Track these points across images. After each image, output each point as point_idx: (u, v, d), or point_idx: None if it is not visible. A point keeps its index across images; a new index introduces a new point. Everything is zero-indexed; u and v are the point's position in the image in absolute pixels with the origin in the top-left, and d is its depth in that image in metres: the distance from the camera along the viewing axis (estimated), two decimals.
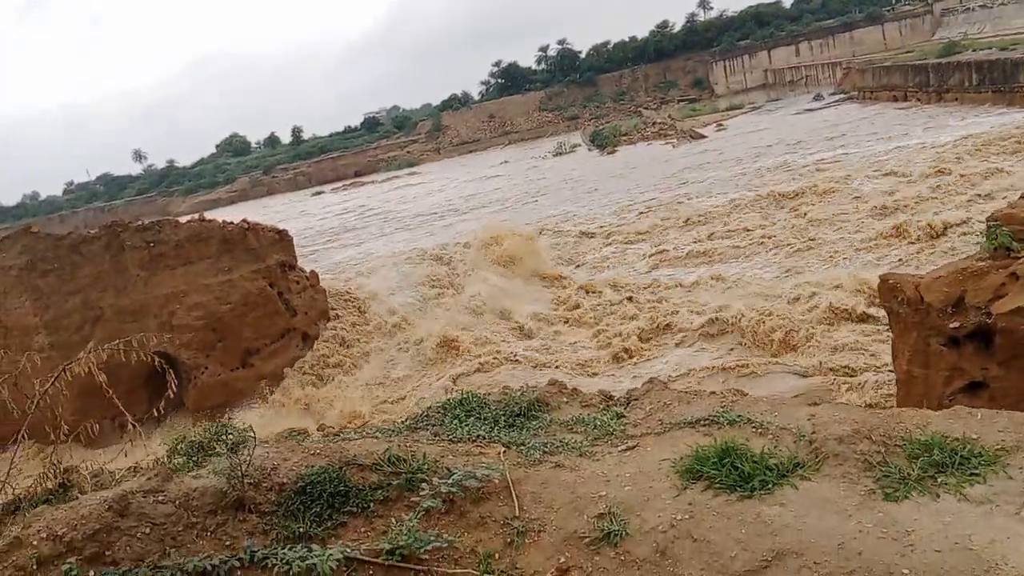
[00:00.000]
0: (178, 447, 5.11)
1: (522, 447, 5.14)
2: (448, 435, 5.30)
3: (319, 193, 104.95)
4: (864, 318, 20.89)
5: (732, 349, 20.22)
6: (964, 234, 25.08)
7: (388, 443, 4.84)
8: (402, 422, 5.99)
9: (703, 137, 73.16)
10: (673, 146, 71.59)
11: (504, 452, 4.96)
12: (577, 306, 27.50)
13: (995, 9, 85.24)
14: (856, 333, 20.15)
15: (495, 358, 23.55)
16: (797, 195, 34.72)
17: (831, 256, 26.98)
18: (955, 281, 14.24)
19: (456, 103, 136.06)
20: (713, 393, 5.90)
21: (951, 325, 13.98)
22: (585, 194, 50.85)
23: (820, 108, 76.54)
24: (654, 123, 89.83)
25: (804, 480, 4.19)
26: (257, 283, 28.68)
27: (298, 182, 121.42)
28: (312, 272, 32.08)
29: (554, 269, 31.80)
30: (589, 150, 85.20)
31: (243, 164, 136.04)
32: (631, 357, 22.04)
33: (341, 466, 4.45)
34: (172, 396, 5.32)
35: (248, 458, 4.35)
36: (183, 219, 30.46)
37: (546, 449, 5.16)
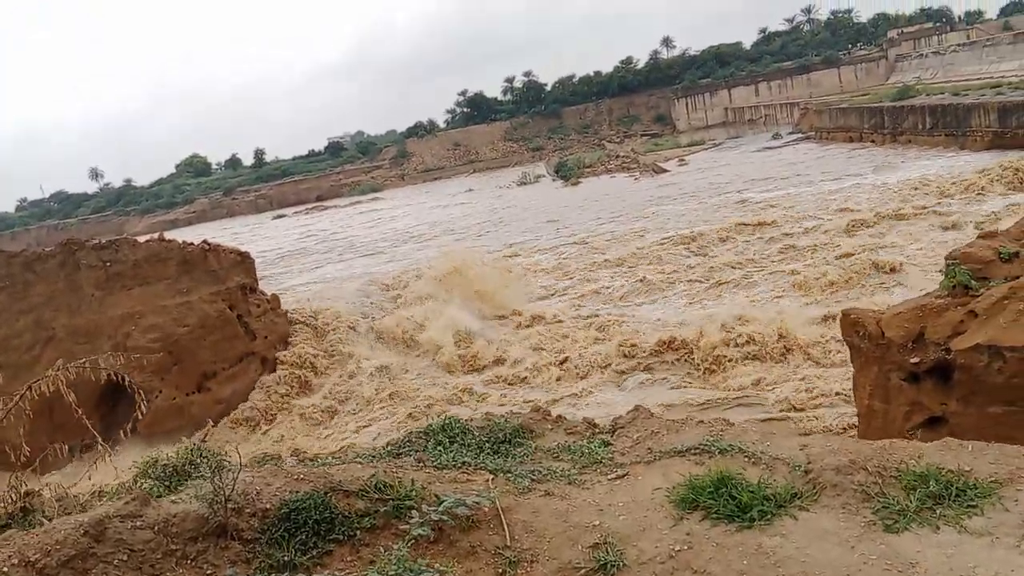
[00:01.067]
0: (149, 470, 4.90)
1: (509, 475, 5.02)
2: (433, 461, 5.15)
3: (281, 216, 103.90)
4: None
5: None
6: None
7: (373, 469, 4.69)
8: (384, 447, 5.82)
9: (665, 171, 74.20)
10: (636, 179, 72.49)
11: (492, 479, 4.84)
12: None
13: (947, 56, 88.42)
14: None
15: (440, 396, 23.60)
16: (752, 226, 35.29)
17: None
18: (915, 317, 14.52)
19: (421, 130, 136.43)
20: (701, 422, 5.85)
21: (911, 360, 14.22)
22: (545, 223, 51.04)
23: (779, 147, 78.19)
24: (617, 156, 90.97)
25: (803, 511, 4.15)
26: (216, 305, 28.14)
27: (259, 205, 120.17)
28: (273, 295, 31.61)
29: (504, 300, 31.56)
30: (553, 180, 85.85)
31: (203, 185, 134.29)
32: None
33: (326, 492, 4.28)
34: (140, 417, 5.10)
35: (233, 483, 4.16)
36: (142, 238, 29.86)
37: (534, 477, 5.04)
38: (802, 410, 18.35)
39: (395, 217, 76.90)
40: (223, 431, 24.75)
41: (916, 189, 37.81)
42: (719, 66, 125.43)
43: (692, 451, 5.16)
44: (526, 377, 23.23)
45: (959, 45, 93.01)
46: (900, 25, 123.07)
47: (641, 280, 30.33)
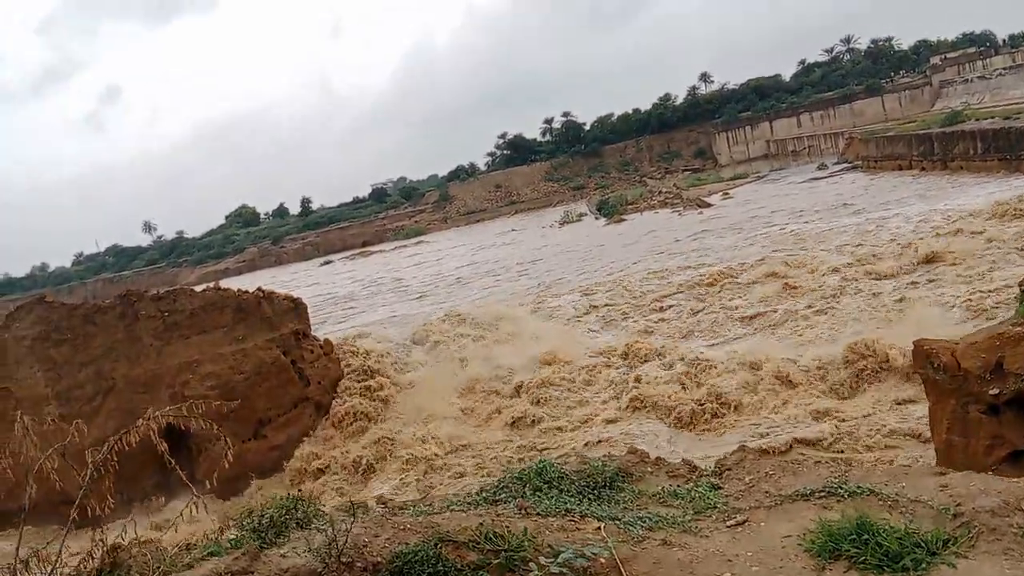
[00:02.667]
0: (244, 521, 4.74)
1: (618, 522, 4.75)
2: (535, 509, 4.91)
3: (328, 262, 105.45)
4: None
5: None
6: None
7: (479, 517, 4.47)
8: (478, 494, 5.60)
9: (709, 206, 73.69)
10: (680, 214, 72.07)
11: (602, 528, 4.59)
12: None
13: (993, 80, 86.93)
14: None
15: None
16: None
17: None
18: (992, 347, 13.91)
19: (463, 174, 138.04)
20: (818, 462, 5.52)
21: (990, 392, 13.61)
22: (608, 262, 50.30)
23: (825, 177, 77.23)
24: (660, 192, 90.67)
25: (960, 558, 3.79)
26: (271, 352, 28.36)
27: (306, 252, 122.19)
28: (326, 340, 31.77)
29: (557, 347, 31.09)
30: (596, 219, 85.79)
31: (252, 235, 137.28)
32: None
33: (436, 543, 4.07)
34: (228, 463, 4.98)
35: (347, 535, 3.97)
36: (198, 288, 30.36)
37: (645, 525, 4.76)
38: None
39: (440, 260, 77.47)
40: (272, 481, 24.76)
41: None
42: (759, 99, 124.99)
43: (817, 494, 4.82)
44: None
45: (1005, 68, 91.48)
46: (942, 51, 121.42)
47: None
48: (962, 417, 14.22)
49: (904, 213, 43.02)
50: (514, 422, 24.17)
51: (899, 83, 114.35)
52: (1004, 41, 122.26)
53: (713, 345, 26.16)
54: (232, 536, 4.80)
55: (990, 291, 25.13)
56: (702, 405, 21.18)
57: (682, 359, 24.42)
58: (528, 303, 38.53)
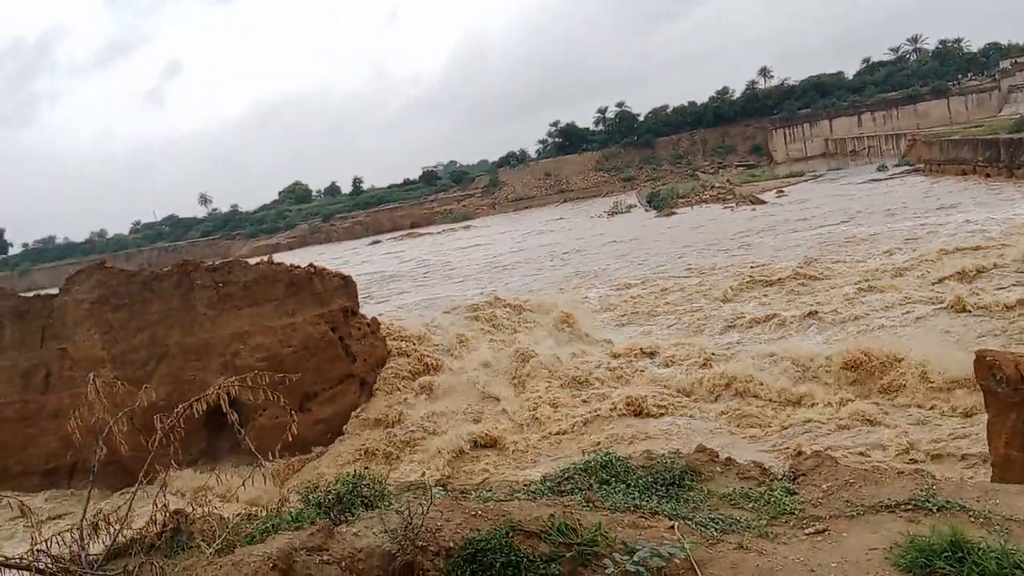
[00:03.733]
0: (309, 496, 4.73)
1: (690, 522, 4.63)
2: (603, 503, 4.81)
3: (376, 242, 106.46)
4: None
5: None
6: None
7: (550, 508, 4.38)
8: (541, 482, 5.52)
9: (763, 203, 72.47)
10: (732, 210, 71.04)
11: (675, 527, 4.47)
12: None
13: None
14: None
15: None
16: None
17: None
18: None
19: (513, 160, 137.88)
20: (900, 473, 5.31)
21: None
22: (673, 256, 49.54)
23: (885, 179, 75.36)
24: (712, 187, 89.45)
25: None
26: (320, 327, 28.63)
27: (355, 231, 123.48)
28: (373, 319, 31.98)
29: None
30: (646, 211, 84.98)
31: (304, 211, 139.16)
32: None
33: (507, 532, 4.00)
34: (292, 436, 4.97)
35: (423, 517, 3.92)
36: (251, 261, 30.78)
37: (718, 527, 4.64)
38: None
39: (488, 244, 77.61)
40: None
41: None
42: (819, 96, 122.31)
43: (903, 507, 4.62)
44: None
45: None
46: (1013, 55, 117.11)
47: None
48: (1023, 431, 13.78)
49: (957, 220, 41.80)
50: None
51: (966, 86, 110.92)
52: None
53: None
54: (292, 510, 4.79)
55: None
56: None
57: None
58: (559, 293, 38.48)
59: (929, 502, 4.63)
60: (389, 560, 3.81)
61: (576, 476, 5.41)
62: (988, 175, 60.92)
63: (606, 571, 3.77)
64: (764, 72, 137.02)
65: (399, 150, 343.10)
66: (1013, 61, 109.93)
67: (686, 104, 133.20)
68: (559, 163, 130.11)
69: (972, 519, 4.34)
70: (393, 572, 3.76)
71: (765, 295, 32.80)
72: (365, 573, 3.74)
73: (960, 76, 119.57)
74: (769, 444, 18.27)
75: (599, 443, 19.63)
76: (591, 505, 4.65)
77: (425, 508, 3.94)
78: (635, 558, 3.84)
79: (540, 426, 23.35)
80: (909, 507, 4.59)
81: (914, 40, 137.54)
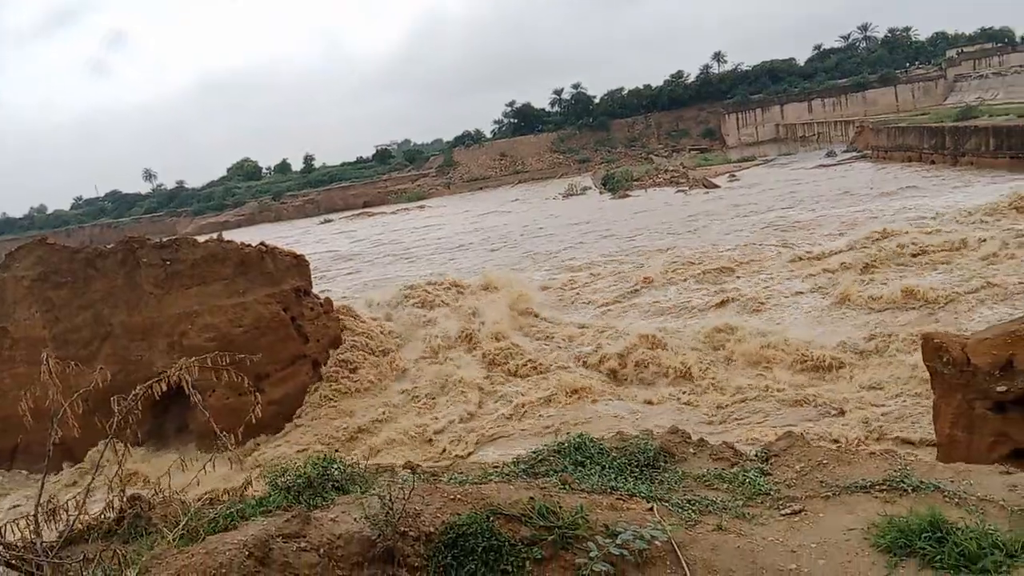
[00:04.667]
0: (278, 480, 4.56)
1: (667, 503, 4.59)
2: (580, 485, 4.74)
3: (328, 221, 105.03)
4: None
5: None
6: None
7: (529, 490, 4.29)
8: (514, 464, 5.43)
9: (716, 187, 73.36)
10: (686, 193, 71.77)
11: (653, 509, 4.42)
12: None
13: (1008, 77, 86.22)
14: None
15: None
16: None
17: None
18: (1003, 344, 13.79)
19: (468, 140, 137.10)
20: (872, 454, 5.35)
21: (998, 389, 13.53)
22: (625, 238, 50.02)
23: (833, 165, 76.82)
24: (666, 170, 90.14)
25: None
26: (271, 307, 28.13)
27: (306, 209, 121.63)
28: (327, 299, 31.58)
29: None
30: (600, 193, 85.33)
31: (253, 189, 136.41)
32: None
33: (488, 516, 3.89)
34: (256, 418, 4.81)
35: (404, 503, 3.78)
36: (200, 239, 30.07)
37: (695, 508, 4.61)
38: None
39: (440, 225, 77.18)
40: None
41: None
42: (771, 82, 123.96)
43: (878, 487, 4.64)
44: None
45: (1021, 66, 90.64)
46: (959, 45, 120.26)
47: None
48: (967, 413, 14.16)
49: (898, 206, 43.02)
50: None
51: (913, 74, 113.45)
52: (1022, 39, 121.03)
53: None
54: (256, 494, 4.62)
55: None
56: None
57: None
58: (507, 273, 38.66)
59: (904, 483, 4.67)
60: (369, 546, 3.68)
61: (550, 458, 5.34)
62: (933, 162, 62.52)
63: (590, 554, 3.71)
64: (718, 57, 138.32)
65: (352, 128, 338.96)
66: (959, 51, 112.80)
67: (641, 87, 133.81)
68: (514, 144, 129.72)
69: (947, 499, 4.39)
70: (373, 558, 3.64)
71: (693, 280, 33.74)
72: (344, 560, 3.61)
73: (908, 65, 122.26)
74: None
75: (547, 428, 19.83)
76: (568, 487, 4.59)
77: (406, 493, 3.82)
78: (618, 541, 3.79)
79: (482, 411, 23.44)
80: (884, 488, 4.62)
81: (864, 28, 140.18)
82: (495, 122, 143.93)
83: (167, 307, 26.86)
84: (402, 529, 3.68)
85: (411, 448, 21.46)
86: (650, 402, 21.23)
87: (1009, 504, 4.14)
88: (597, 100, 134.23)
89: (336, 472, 4.51)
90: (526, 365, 26.07)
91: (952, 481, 4.62)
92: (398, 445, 21.47)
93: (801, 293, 28.99)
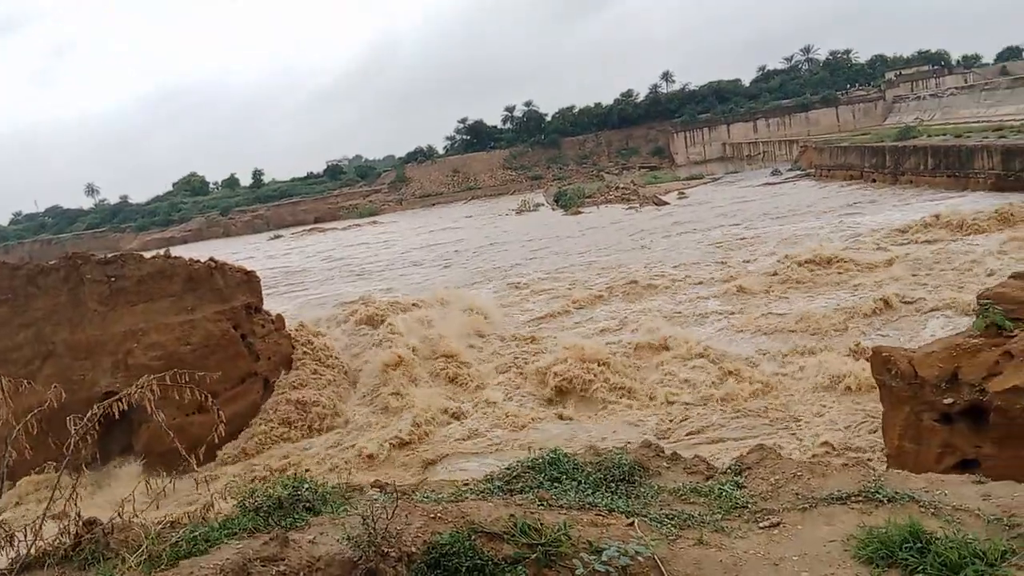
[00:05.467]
0: (246, 502, 4.39)
1: (646, 518, 4.54)
2: (558, 501, 4.66)
3: (278, 236, 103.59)
4: None
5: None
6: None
7: (508, 507, 4.20)
8: (488, 481, 5.31)
9: (665, 204, 74.44)
10: (636, 210, 72.64)
11: (633, 524, 4.37)
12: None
13: (945, 98, 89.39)
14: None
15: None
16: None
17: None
18: (949, 357, 14.19)
19: (420, 156, 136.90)
20: (845, 465, 5.38)
21: (944, 401, 13.90)
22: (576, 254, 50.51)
23: (778, 183, 78.57)
24: (617, 187, 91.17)
25: (1021, 571, 3.68)
26: (221, 324, 27.54)
27: (256, 225, 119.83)
28: (278, 316, 31.05)
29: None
30: (553, 210, 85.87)
31: (200, 204, 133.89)
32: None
33: (469, 534, 3.79)
34: (220, 436, 4.64)
35: (387, 521, 3.65)
36: (147, 254, 29.35)
37: (674, 522, 4.56)
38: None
39: (393, 242, 76.78)
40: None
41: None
42: (718, 102, 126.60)
43: (854, 498, 4.67)
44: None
45: (957, 88, 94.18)
46: (898, 67, 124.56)
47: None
48: (915, 424, 14.51)
49: (836, 224, 44.38)
50: None
51: (854, 95, 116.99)
52: (957, 62, 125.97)
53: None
54: (218, 516, 4.45)
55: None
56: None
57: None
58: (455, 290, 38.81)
59: (879, 494, 4.71)
60: (350, 568, 3.54)
61: (525, 474, 5.26)
62: (874, 180, 64.41)
63: (575, 572, 3.64)
64: (667, 76, 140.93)
65: (302, 143, 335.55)
66: (897, 73, 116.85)
67: (592, 105, 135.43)
68: (467, 160, 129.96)
69: (923, 510, 4.44)
70: None
71: (630, 296, 34.71)
72: None
73: (848, 86, 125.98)
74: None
75: (494, 446, 19.87)
76: (546, 504, 4.52)
77: (389, 512, 3.69)
78: (603, 557, 3.73)
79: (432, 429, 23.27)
80: (860, 499, 4.66)
81: (807, 51, 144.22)
82: (447, 138, 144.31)
83: (112, 325, 26.08)
84: (384, 549, 3.56)
85: (357, 468, 21.18)
86: (590, 418, 21.35)
87: (984, 513, 4.21)
88: (549, 118, 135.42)
89: (307, 492, 4.37)
90: (472, 384, 26.04)
91: (926, 491, 4.68)
92: (348, 467, 21.12)
93: (723, 313, 29.88)
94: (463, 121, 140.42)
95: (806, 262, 33.64)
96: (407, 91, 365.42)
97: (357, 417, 25.41)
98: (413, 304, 35.00)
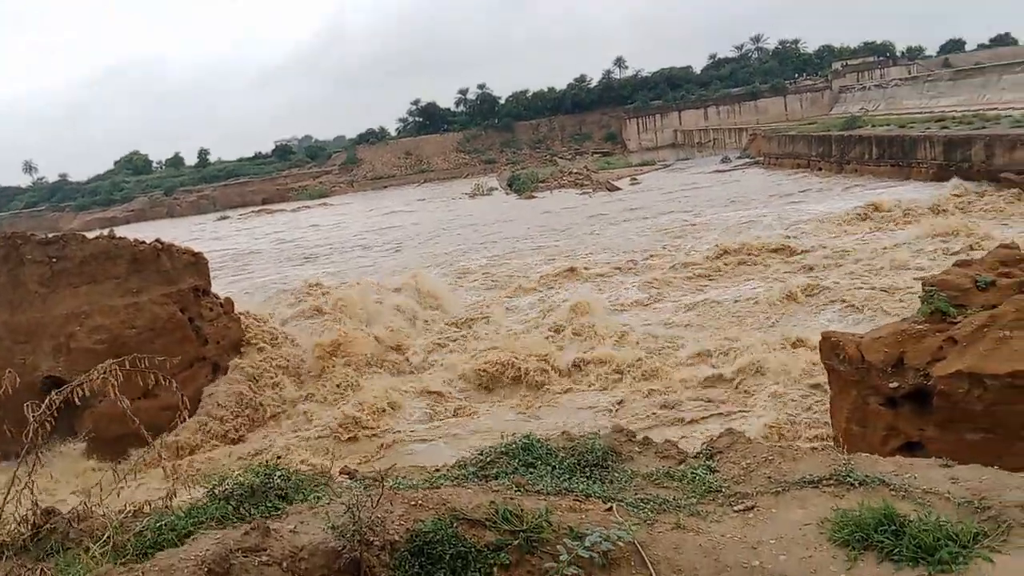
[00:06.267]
0: (216, 490, 4.26)
1: (621, 503, 4.55)
2: (534, 486, 4.63)
3: (224, 218, 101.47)
4: None
5: None
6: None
7: (486, 493, 4.15)
8: (460, 468, 5.24)
9: (618, 189, 74.96)
10: (590, 195, 73.02)
11: (611, 509, 4.36)
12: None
13: (889, 89, 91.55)
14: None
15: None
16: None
17: None
18: (895, 342, 14.58)
19: (372, 137, 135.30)
20: (814, 449, 5.47)
21: (890, 385, 14.29)
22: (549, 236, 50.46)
23: (728, 170, 79.68)
24: (570, 172, 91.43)
25: (995, 552, 3.77)
26: (167, 307, 26.87)
27: (201, 206, 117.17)
28: (227, 299, 30.41)
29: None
30: (507, 194, 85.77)
31: (143, 183, 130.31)
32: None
33: (451, 521, 3.73)
34: (183, 422, 4.48)
35: (372, 509, 3.56)
36: (90, 235, 28.47)
37: (650, 507, 4.58)
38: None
39: (344, 224, 75.89)
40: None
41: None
42: (670, 89, 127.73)
43: (825, 482, 4.73)
44: None
45: (901, 80, 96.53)
46: (844, 57, 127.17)
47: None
48: (862, 408, 14.89)
49: (778, 212, 45.49)
50: None
51: (802, 85, 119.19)
52: (902, 53, 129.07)
53: None
54: (192, 505, 4.31)
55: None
56: None
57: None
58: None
59: (850, 477, 4.80)
60: (335, 557, 3.46)
61: (499, 459, 5.22)
62: (820, 169, 65.70)
63: (559, 558, 3.63)
64: (619, 62, 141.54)
65: (251, 123, 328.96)
66: (844, 64, 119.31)
67: (546, 90, 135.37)
68: (419, 142, 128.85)
69: (894, 493, 4.53)
70: (339, 570, 3.43)
71: (560, 287, 34.61)
72: (308, 573, 3.38)
73: (796, 75, 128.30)
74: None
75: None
76: (523, 489, 4.50)
77: (374, 500, 3.62)
78: (586, 543, 3.73)
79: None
80: (832, 482, 4.74)
81: (756, 40, 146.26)
82: (400, 120, 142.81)
83: (53, 307, 25.26)
84: (369, 538, 3.49)
85: (311, 454, 20.97)
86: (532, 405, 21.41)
87: (954, 496, 4.31)
88: (503, 101, 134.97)
89: (279, 480, 4.27)
90: (414, 371, 26.11)
91: (895, 475, 4.78)
92: (301, 453, 20.86)
93: (645, 300, 30.45)
94: (416, 103, 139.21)
95: (729, 252, 34.41)
96: (359, 73, 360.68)
97: (305, 404, 25.09)
98: (356, 283, 34.73)
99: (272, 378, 27.19)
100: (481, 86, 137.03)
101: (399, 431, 21.07)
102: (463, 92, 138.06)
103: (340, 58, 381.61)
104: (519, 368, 23.50)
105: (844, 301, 25.77)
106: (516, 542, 3.75)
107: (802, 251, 33.44)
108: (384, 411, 22.89)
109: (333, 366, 26.81)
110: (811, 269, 30.66)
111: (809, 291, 27.38)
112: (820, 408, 17.84)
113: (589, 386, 22.20)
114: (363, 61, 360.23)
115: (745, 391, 19.81)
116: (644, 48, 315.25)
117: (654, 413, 19.48)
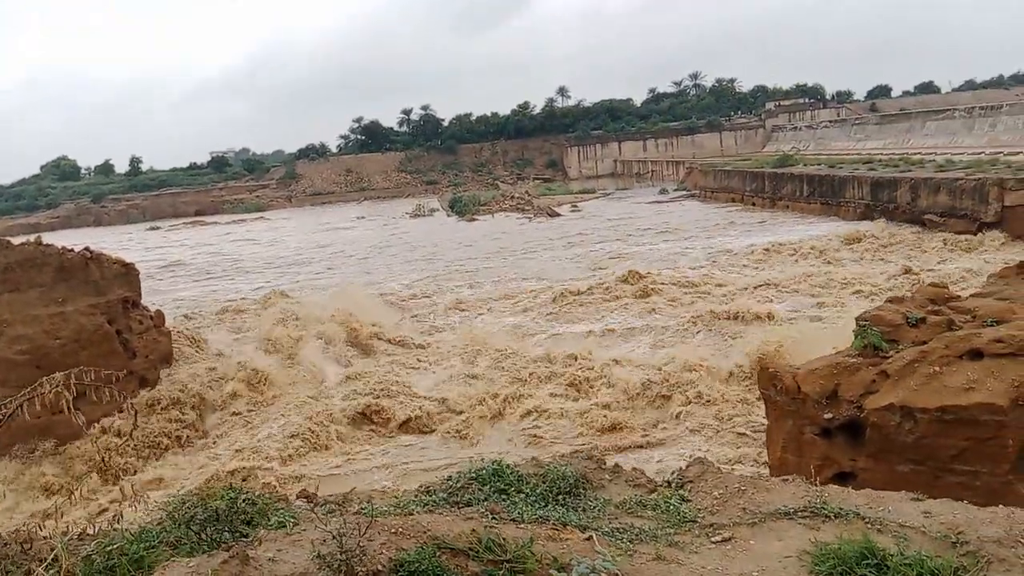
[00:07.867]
0: (175, 513, 4.00)
1: (597, 532, 4.44)
2: (509, 515, 4.48)
3: (155, 228, 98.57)
4: None
5: None
6: None
7: (467, 521, 4.00)
8: (426, 492, 5.05)
9: (558, 215, 75.65)
10: (530, 220, 73.47)
11: (590, 539, 4.26)
12: None
13: (819, 130, 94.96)
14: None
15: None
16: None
17: None
18: (830, 374, 14.97)
19: (313, 153, 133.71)
20: (785, 479, 5.47)
21: (825, 416, 14.68)
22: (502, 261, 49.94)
23: (666, 201, 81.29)
24: (512, 197, 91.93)
25: None
26: (94, 319, 25.90)
27: (130, 215, 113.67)
28: (158, 312, 29.46)
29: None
30: (448, 215, 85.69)
31: (70, 190, 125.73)
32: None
33: (434, 551, 3.57)
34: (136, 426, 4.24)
35: (359, 536, 3.35)
36: (15, 241, 27.27)
37: (627, 537, 4.49)
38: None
39: (280, 239, 74.64)
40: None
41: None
42: (611, 119, 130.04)
43: (800, 513, 4.74)
44: None
45: (830, 121, 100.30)
46: (777, 98, 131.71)
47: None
48: (797, 437, 15.21)
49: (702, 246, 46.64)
50: None
51: (736, 122, 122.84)
52: (832, 96, 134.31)
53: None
54: (142, 528, 4.05)
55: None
56: None
57: None
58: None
59: (824, 509, 4.82)
60: None
61: (469, 486, 5.08)
62: (754, 203, 67.61)
63: None
64: (562, 91, 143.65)
65: (186, 134, 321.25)
66: (777, 104, 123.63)
67: (489, 114, 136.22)
68: (361, 160, 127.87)
69: (869, 526, 4.55)
70: None
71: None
72: None
73: (732, 113, 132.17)
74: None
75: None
76: (499, 517, 4.37)
77: (362, 528, 3.43)
78: (574, 574, 3.62)
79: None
80: (807, 514, 4.74)
81: (695, 76, 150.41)
82: (341, 137, 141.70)
83: None
84: (355, 568, 3.31)
85: (243, 477, 20.16)
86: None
87: (929, 531, 4.36)
88: (446, 123, 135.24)
89: (244, 504, 4.06)
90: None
91: (869, 507, 4.82)
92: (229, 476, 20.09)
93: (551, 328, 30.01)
94: (358, 120, 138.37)
95: (628, 281, 34.58)
96: (300, 89, 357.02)
97: (229, 426, 24.23)
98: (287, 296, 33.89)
99: (194, 395, 26.23)
100: (425, 107, 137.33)
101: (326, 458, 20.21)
102: (407, 112, 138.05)
103: (282, 76, 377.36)
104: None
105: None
106: (500, 572, 3.64)
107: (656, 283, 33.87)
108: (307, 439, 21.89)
109: (254, 388, 25.98)
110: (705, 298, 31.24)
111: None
112: None
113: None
114: (305, 81, 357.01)
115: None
116: (587, 78, 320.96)
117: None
